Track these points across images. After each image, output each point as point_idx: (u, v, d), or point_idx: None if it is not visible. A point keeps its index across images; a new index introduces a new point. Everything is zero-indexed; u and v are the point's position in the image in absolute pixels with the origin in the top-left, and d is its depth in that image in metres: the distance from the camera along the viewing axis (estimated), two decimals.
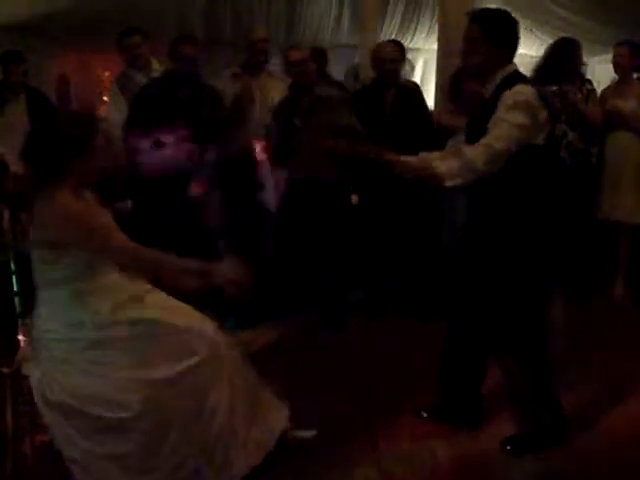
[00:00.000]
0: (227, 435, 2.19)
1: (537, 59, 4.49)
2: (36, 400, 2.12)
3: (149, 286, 2.37)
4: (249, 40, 4.37)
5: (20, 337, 2.31)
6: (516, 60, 2.61)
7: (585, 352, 3.46)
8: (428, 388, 2.86)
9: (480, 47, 2.49)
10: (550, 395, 2.65)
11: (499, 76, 2.51)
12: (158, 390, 2.10)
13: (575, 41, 4.26)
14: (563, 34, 5.05)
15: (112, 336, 2.13)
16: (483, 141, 2.40)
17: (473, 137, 2.51)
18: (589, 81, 4.40)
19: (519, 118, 2.39)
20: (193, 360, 2.15)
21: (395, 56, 4.11)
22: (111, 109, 4.27)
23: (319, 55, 4.84)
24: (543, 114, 2.47)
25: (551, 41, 4.55)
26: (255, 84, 4.31)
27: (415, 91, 4.39)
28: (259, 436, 2.28)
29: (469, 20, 2.54)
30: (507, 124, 2.39)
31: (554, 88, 4.13)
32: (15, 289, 2.42)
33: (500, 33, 2.51)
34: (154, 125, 3.71)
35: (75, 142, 2.16)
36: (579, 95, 4.17)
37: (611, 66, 4.49)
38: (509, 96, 2.42)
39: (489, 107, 2.48)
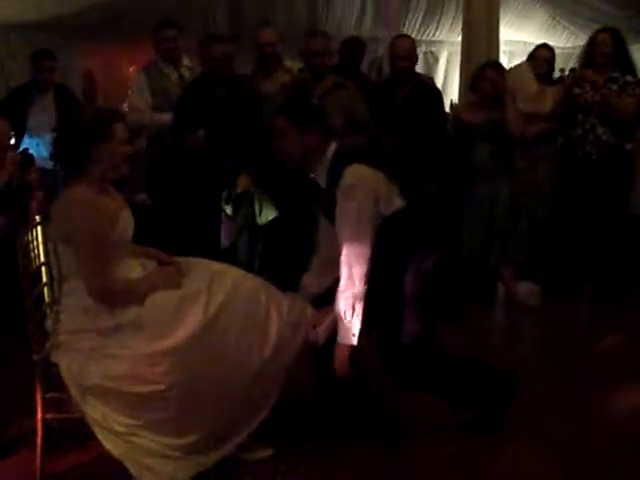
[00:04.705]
0: (249, 389, 2.27)
1: (566, 50, 4.41)
2: (69, 387, 2.17)
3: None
4: (257, 42, 4.20)
5: (48, 326, 2.34)
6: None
7: (617, 354, 3.37)
8: None
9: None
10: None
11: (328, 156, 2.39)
12: (181, 355, 2.16)
13: (617, 31, 4.10)
14: (593, 25, 4.96)
15: (129, 318, 2.19)
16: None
17: None
18: (632, 71, 4.10)
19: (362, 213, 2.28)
20: (207, 315, 2.20)
21: (409, 53, 3.96)
22: (135, 97, 4.26)
23: (356, 46, 4.72)
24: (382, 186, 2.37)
25: (579, 32, 4.47)
26: (271, 84, 4.13)
27: (432, 90, 4.25)
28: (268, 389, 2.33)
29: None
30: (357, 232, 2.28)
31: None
32: (44, 279, 2.46)
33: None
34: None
35: (96, 127, 2.22)
36: (614, 87, 4.00)
37: None
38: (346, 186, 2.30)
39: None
